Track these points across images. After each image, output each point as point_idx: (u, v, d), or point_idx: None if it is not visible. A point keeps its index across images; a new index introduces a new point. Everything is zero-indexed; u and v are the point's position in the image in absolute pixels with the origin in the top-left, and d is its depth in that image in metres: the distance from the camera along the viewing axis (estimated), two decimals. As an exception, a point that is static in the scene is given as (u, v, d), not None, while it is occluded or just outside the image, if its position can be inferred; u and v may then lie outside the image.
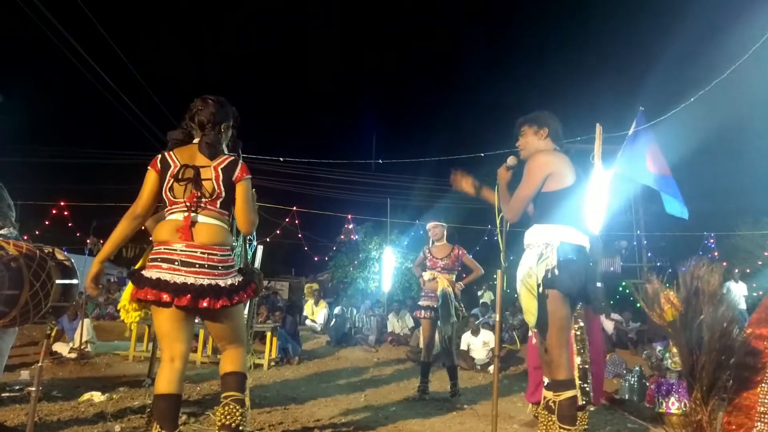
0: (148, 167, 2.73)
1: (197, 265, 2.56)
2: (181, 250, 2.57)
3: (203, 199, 2.64)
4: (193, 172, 2.64)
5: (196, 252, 2.57)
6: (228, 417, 2.59)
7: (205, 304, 2.52)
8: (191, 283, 2.53)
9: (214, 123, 2.75)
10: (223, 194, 2.66)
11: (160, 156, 2.74)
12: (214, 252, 2.61)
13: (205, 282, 2.55)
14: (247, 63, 39.84)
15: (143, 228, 2.95)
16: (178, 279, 2.53)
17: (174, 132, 2.84)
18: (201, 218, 2.64)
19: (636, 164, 5.95)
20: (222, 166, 2.68)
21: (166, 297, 2.51)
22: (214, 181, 2.64)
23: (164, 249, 2.60)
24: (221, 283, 2.58)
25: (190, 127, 2.79)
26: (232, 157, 2.75)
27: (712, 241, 16.80)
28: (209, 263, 2.58)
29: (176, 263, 2.55)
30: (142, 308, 2.84)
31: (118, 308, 2.89)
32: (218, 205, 2.67)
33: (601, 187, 5.47)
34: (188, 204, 2.63)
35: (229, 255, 2.69)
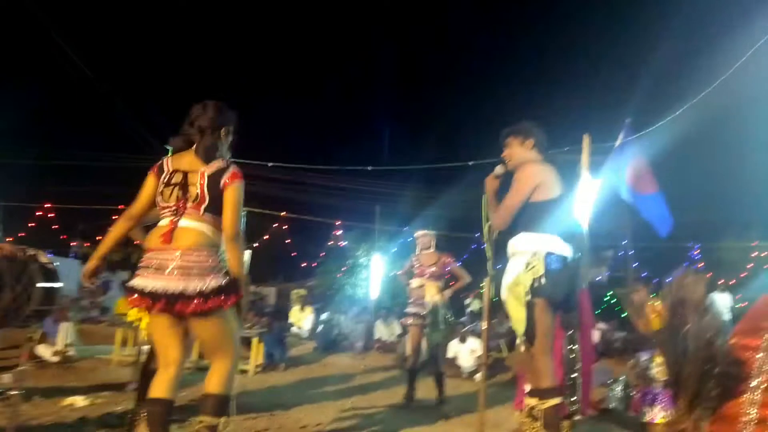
0: (149, 171, 2.78)
1: (170, 269, 2.52)
2: (158, 256, 2.57)
3: (187, 204, 2.62)
4: (181, 177, 2.65)
5: (170, 256, 2.54)
6: None
7: (178, 308, 2.48)
8: (162, 288, 2.49)
9: (213, 128, 2.74)
10: (207, 200, 2.62)
11: (160, 162, 2.78)
12: (190, 255, 2.54)
13: (174, 286, 2.49)
14: (238, 66, 39.80)
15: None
16: (150, 284, 2.52)
17: (175, 140, 2.84)
18: (183, 222, 2.62)
19: (618, 177, 5.99)
20: (210, 172, 2.64)
21: (144, 303, 2.53)
22: (198, 187, 2.62)
23: (147, 255, 2.63)
24: (192, 286, 2.49)
25: (190, 132, 2.79)
26: (224, 164, 2.69)
27: (697, 252, 16.97)
28: (182, 267, 2.52)
29: (152, 269, 2.56)
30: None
31: (129, 319, 2.91)
32: (201, 211, 2.62)
33: (588, 197, 5.50)
34: (173, 208, 2.63)
35: (209, 257, 2.58)
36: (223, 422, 2.57)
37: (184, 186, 2.63)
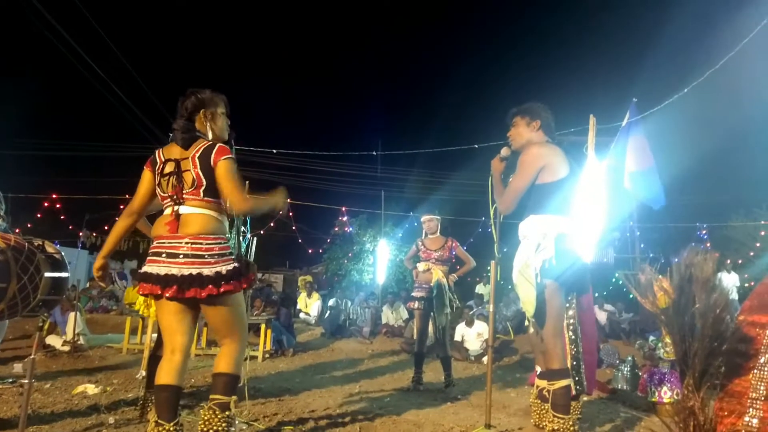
0: (144, 167, 2.80)
1: (181, 256, 2.55)
2: (168, 243, 2.60)
3: (185, 190, 2.64)
4: (174, 166, 2.67)
5: (180, 243, 2.57)
6: (207, 423, 2.56)
7: (191, 294, 2.51)
8: (174, 274, 2.53)
9: (191, 111, 2.76)
10: (204, 182, 2.62)
11: (153, 155, 2.80)
12: (199, 241, 2.58)
13: (187, 272, 2.53)
14: (241, 53, 39.62)
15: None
16: (162, 270, 2.56)
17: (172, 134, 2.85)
18: (185, 209, 2.64)
19: (622, 161, 5.94)
20: (198, 154, 2.64)
21: (155, 289, 2.56)
22: (192, 171, 2.63)
23: (156, 243, 2.66)
24: (206, 271, 2.53)
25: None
26: (208, 143, 2.69)
27: (704, 232, 16.88)
28: (193, 252, 2.55)
29: (163, 255, 2.59)
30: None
31: (136, 308, 2.93)
32: (201, 194, 2.64)
33: (597, 180, 5.47)
34: (172, 197, 2.65)
35: (218, 243, 2.63)
36: (233, 400, 2.63)
37: (178, 174, 2.65)
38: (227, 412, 2.59)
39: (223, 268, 2.57)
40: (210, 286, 2.52)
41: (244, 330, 2.77)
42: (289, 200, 16.01)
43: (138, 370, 5.55)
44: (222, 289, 2.54)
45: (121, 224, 2.82)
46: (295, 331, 9.18)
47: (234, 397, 2.64)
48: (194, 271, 2.53)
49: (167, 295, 2.53)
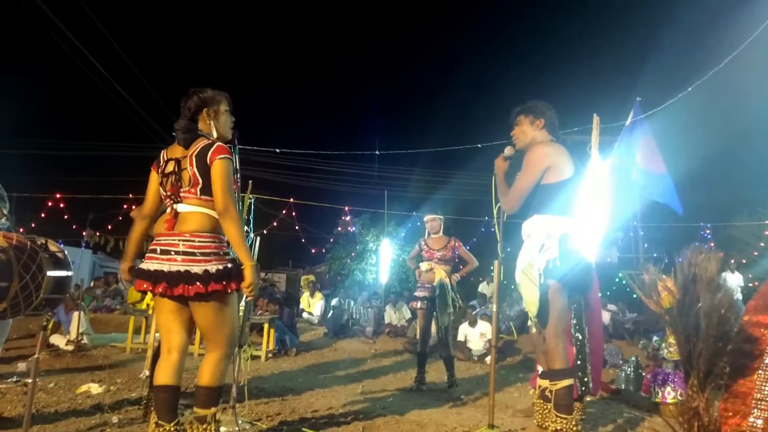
0: (151, 168, 2.81)
1: (173, 252, 2.55)
2: (164, 240, 2.60)
3: (183, 189, 2.64)
4: (174, 165, 2.67)
5: (174, 240, 2.57)
6: None
7: (179, 292, 2.49)
8: (164, 270, 2.52)
9: (193, 111, 2.76)
10: (200, 180, 2.61)
11: (158, 157, 2.81)
12: (192, 239, 2.56)
13: (176, 269, 2.51)
14: (243, 52, 39.64)
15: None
16: (153, 267, 2.56)
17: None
18: (182, 207, 2.64)
19: (628, 158, 5.91)
20: (196, 152, 2.64)
21: (146, 286, 2.56)
22: (189, 169, 2.63)
23: (154, 240, 2.67)
24: (195, 269, 2.51)
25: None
26: (207, 142, 2.68)
27: (708, 231, 16.83)
28: (185, 250, 2.54)
29: (158, 252, 2.59)
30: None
31: (143, 306, 2.92)
32: (198, 193, 2.63)
33: (601, 180, 5.45)
34: (171, 195, 2.66)
35: (214, 242, 2.60)
36: (211, 413, 2.61)
37: (177, 173, 2.65)
38: (205, 425, 2.58)
39: (213, 267, 2.53)
40: (198, 283, 2.49)
41: (230, 337, 2.71)
42: (292, 200, 15.86)
43: (141, 369, 5.55)
44: (210, 288, 2.50)
45: (136, 229, 2.84)
46: (298, 330, 9.18)
47: (213, 409, 2.62)
48: (182, 269, 2.51)
49: (158, 291, 2.53)
